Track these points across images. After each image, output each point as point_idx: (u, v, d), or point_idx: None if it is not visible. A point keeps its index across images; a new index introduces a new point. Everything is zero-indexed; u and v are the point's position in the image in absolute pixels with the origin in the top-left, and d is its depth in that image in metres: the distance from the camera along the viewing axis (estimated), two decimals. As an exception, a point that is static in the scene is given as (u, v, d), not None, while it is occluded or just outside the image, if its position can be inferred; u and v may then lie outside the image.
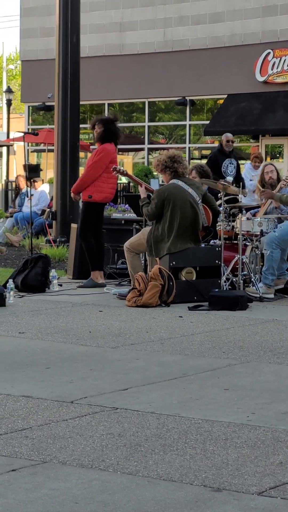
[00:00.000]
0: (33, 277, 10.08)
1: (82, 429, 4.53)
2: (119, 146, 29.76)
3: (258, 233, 10.02)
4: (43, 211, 17.55)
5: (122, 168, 10.59)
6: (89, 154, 20.92)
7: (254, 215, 10.64)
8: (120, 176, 11.21)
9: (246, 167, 14.79)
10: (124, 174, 10.55)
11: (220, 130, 26.08)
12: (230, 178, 13.63)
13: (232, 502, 3.52)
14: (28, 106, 30.42)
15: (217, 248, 9.77)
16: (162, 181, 17.78)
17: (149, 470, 3.89)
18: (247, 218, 10.14)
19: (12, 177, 30.53)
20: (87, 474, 3.83)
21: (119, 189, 25.19)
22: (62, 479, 3.76)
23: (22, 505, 3.46)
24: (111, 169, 10.43)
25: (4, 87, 41.35)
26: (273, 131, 25.39)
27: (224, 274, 9.72)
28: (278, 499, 3.56)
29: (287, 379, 5.82)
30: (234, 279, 9.79)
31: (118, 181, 25.73)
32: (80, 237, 10.75)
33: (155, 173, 23.31)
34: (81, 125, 16.32)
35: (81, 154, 22.76)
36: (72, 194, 10.93)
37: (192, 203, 9.64)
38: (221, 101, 26.37)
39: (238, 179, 13.73)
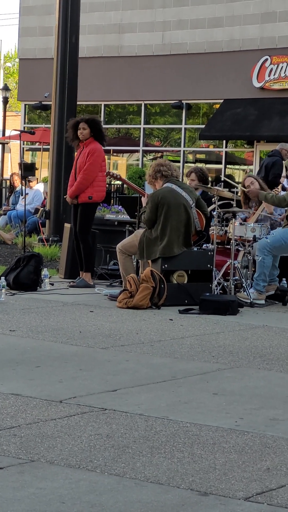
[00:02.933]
0: (25, 276, 10.08)
1: (70, 429, 4.53)
2: (114, 147, 29.37)
3: (251, 238, 10.02)
4: (37, 210, 17.54)
5: (115, 172, 10.59)
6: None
7: (244, 220, 10.54)
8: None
9: None
10: (118, 178, 10.59)
11: (215, 134, 26.16)
12: None
13: (219, 506, 3.53)
14: (25, 105, 30.39)
15: (209, 252, 9.78)
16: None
17: (137, 472, 3.90)
18: (240, 223, 10.14)
19: (6, 175, 30.50)
20: (75, 474, 3.83)
21: (112, 190, 25.16)
22: (49, 479, 3.76)
23: (8, 504, 3.46)
24: (105, 173, 10.46)
25: (1, 85, 41.28)
26: (268, 138, 25.42)
27: (215, 278, 9.73)
28: (265, 505, 3.57)
29: (276, 385, 5.83)
30: (225, 284, 9.80)
31: (112, 183, 25.75)
32: (80, 239, 10.53)
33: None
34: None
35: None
36: (68, 198, 10.59)
37: (186, 206, 9.65)
38: (217, 106, 26.39)
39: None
